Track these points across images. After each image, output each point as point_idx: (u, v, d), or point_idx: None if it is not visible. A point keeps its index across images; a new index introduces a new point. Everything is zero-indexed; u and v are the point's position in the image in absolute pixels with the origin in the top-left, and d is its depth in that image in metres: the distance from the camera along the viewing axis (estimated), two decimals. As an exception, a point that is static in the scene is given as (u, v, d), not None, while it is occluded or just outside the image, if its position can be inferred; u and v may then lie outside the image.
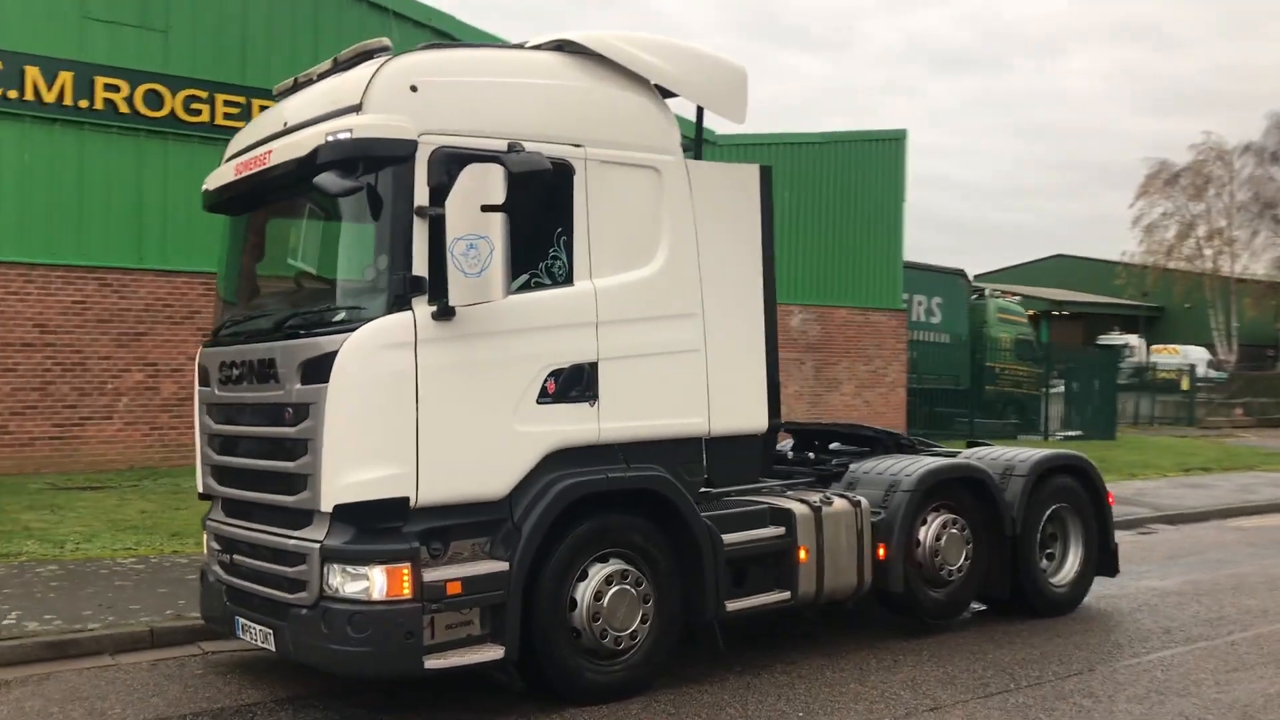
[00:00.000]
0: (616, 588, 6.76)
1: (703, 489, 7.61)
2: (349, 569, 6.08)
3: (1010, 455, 9.38)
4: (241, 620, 6.85)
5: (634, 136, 7.12)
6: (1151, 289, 51.78)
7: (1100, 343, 48.75)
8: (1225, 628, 8.96)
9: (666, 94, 7.50)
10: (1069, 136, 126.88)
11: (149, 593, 8.84)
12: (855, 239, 25.61)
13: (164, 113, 16.90)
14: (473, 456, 6.33)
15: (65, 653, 7.58)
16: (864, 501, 8.17)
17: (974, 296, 30.91)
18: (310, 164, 6.20)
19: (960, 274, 29.41)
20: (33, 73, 15.97)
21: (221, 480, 7.15)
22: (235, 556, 6.97)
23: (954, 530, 8.60)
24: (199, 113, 17.21)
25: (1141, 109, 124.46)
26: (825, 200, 25.14)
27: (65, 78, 16.17)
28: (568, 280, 6.74)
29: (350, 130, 6.13)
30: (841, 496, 8.13)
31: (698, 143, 7.96)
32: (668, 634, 7.04)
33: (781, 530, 7.62)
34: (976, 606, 9.32)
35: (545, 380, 6.58)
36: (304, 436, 6.21)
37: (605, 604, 6.70)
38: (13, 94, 15.84)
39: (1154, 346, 50.21)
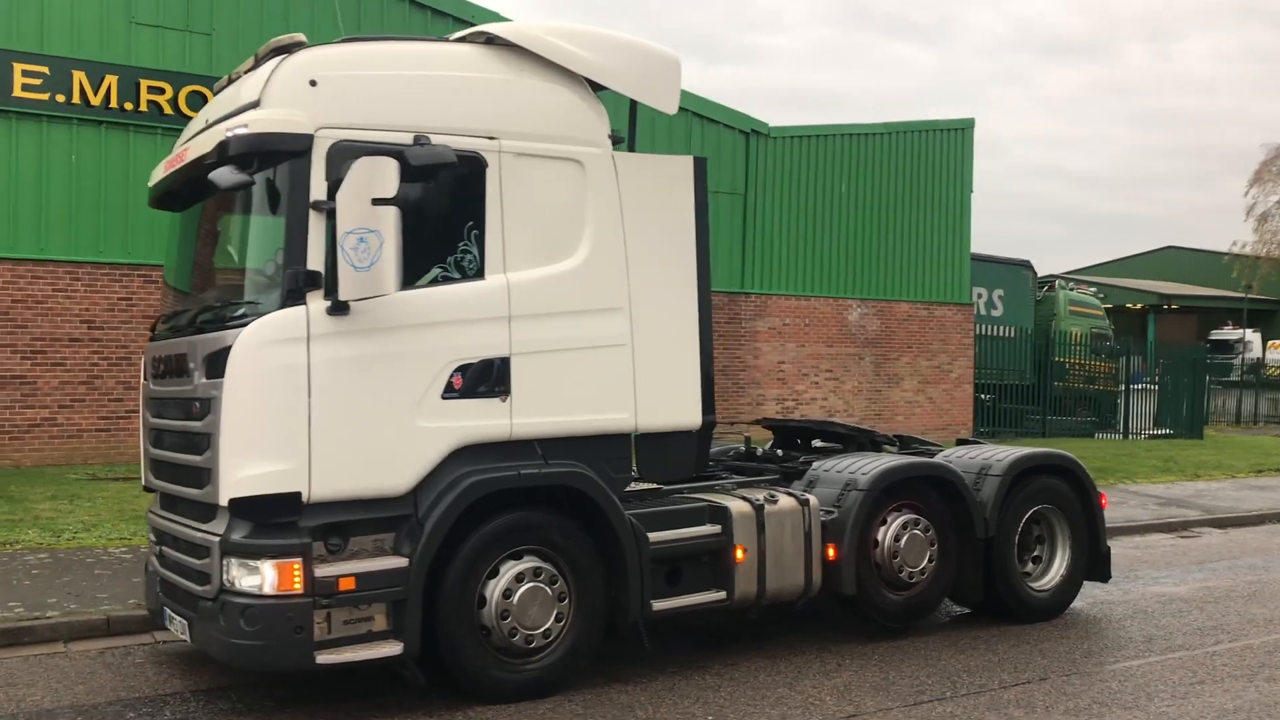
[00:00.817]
0: (528, 585, 6.67)
1: (652, 486, 7.53)
2: (244, 563, 6.12)
3: (989, 455, 9.03)
4: (168, 611, 6.96)
5: (556, 129, 7.01)
6: (1263, 281, 49.61)
7: (1213, 338, 46.88)
8: (1214, 637, 8.49)
9: (602, 88, 7.39)
10: (1190, 123, 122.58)
11: (123, 582, 9.05)
12: (919, 232, 25.02)
13: (207, 114, 17.30)
14: (370, 452, 6.30)
15: (19, 640, 7.79)
16: (813, 500, 7.95)
17: (1044, 289, 29.94)
18: (213, 161, 6.26)
19: (1024, 265, 28.51)
20: (79, 76, 16.51)
21: (155, 473, 7.28)
22: (163, 549, 7.09)
23: (915, 531, 8.30)
24: (241, 113, 17.58)
25: (1268, 92, 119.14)
26: (887, 192, 24.60)
27: (111, 81, 16.68)
28: (479, 274, 6.67)
29: (245, 126, 6.17)
30: (789, 495, 7.93)
31: (631, 134, 7.82)
32: (589, 633, 6.94)
33: (717, 529, 7.46)
34: (959, 610, 9.01)
35: (451, 375, 6.52)
36: (207, 430, 6.27)
37: (515, 602, 6.62)
38: (60, 98, 16.40)
39: (1271, 342, 48.07)
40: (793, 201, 23.45)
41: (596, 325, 7.05)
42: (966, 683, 7.23)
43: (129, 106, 16.83)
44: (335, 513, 6.25)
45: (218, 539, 6.24)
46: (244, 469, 6.09)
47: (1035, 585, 9.04)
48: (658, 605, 7.18)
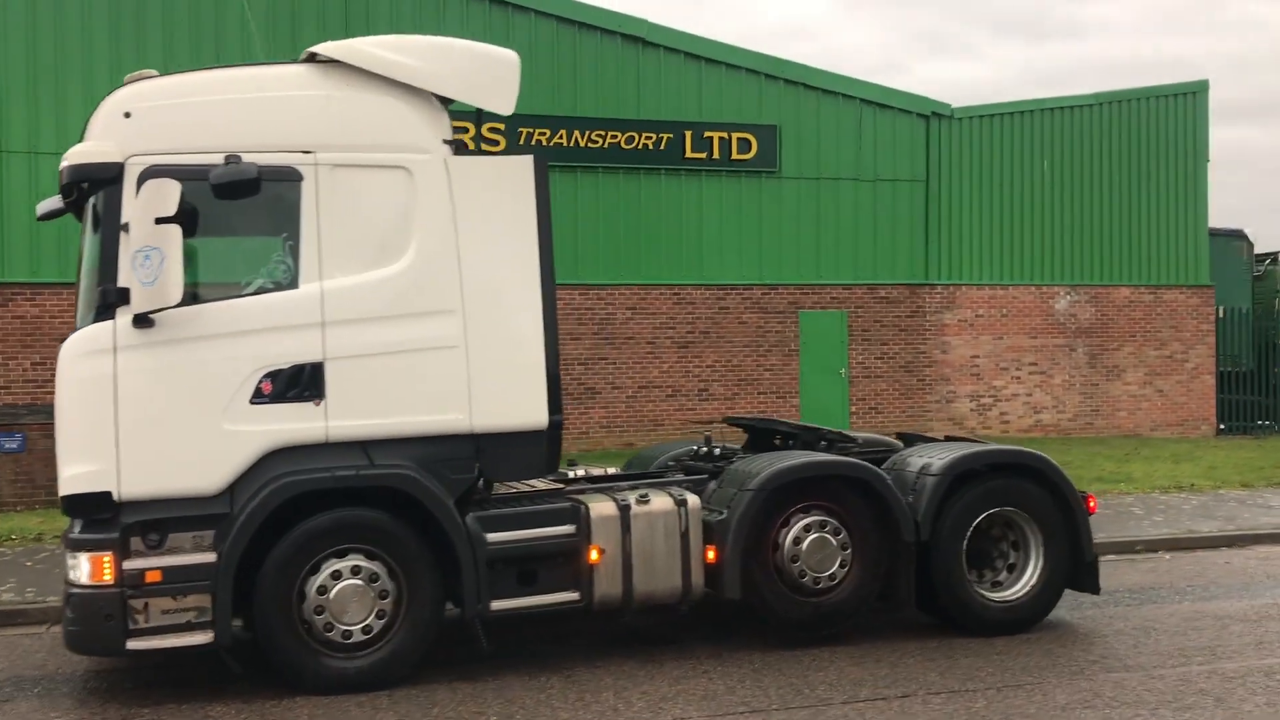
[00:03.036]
0: (346, 583, 6.92)
1: (550, 485, 7.63)
2: (72, 556, 6.75)
3: (933, 452, 8.31)
4: None
5: (379, 138, 7.21)
6: None
7: None
8: (1182, 660, 7.41)
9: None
10: None
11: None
12: (1142, 209, 22.88)
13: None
14: (178, 454, 6.76)
15: (12, 621, 8.89)
16: (692, 501, 7.68)
17: (1265, 262, 26.41)
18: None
19: (1237, 235, 25.25)
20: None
21: None
22: None
23: (822, 534, 7.81)
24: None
25: None
26: (1101, 168, 22.67)
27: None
28: (292, 284, 6.99)
29: (67, 159, 6.82)
30: (668, 495, 7.69)
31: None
32: (420, 630, 7.07)
33: (570, 529, 7.37)
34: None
35: (260, 381, 6.87)
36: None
37: (332, 598, 6.89)
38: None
39: None
40: (984, 185, 22.13)
41: (425, 327, 7.18)
42: (821, 694, 6.76)
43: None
44: (151, 510, 6.75)
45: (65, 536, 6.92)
46: (68, 469, 6.73)
47: (996, 596, 8.23)
48: (498, 605, 7.21)
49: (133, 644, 6.67)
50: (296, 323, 6.96)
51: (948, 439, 9.10)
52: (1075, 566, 8.36)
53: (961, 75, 64.77)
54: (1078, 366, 22.59)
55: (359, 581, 6.95)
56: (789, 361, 20.98)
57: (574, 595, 7.39)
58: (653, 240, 20.22)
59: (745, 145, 20.62)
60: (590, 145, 19.75)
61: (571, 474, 8.80)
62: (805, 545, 7.78)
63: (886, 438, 9.63)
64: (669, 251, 20.31)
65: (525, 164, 7.48)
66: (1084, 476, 14.16)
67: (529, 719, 6.45)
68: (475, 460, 7.32)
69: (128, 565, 6.66)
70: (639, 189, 20.13)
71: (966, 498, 8.10)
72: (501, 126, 19.06)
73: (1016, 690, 6.82)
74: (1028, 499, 8.28)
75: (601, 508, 7.50)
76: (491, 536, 7.20)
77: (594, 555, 7.37)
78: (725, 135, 20.50)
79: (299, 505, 6.92)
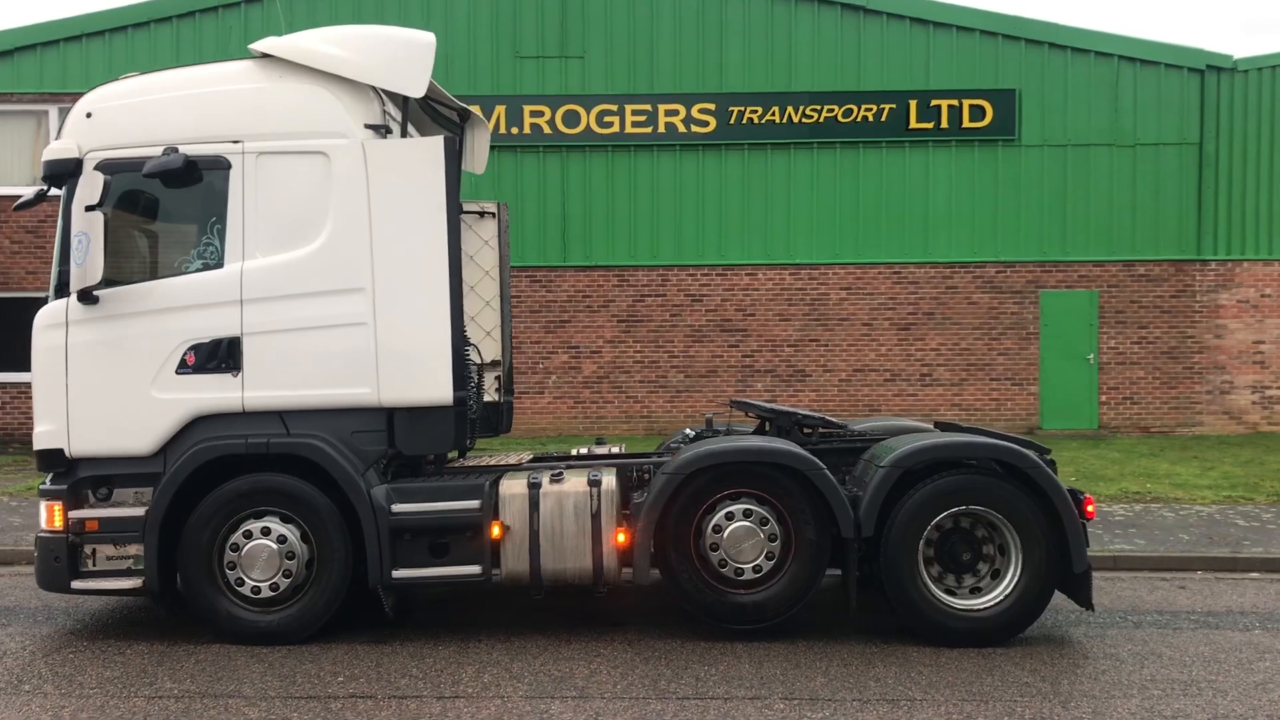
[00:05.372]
0: (257, 542, 7.42)
1: (514, 460, 7.82)
2: (39, 504, 7.71)
3: (908, 444, 7.55)
4: None
5: (302, 125, 7.58)
6: None
7: None
8: (1133, 690, 6.33)
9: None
10: None
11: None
12: None
13: (579, 129, 19.29)
14: (114, 418, 7.52)
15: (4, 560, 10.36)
16: (605, 481, 7.50)
17: None
18: None
19: None
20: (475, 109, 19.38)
21: None
22: None
23: (746, 523, 7.38)
24: (610, 124, 19.31)
25: None
26: None
27: (500, 110, 19.39)
28: (219, 264, 7.55)
29: (44, 155, 7.77)
30: (583, 476, 7.56)
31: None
32: (329, 592, 7.45)
33: (475, 504, 7.44)
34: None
35: (185, 353, 7.49)
36: None
37: (243, 555, 7.41)
38: (459, 130, 19.43)
39: None
40: (1274, 146, 19.32)
41: (336, 305, 7.50)
42: (657, 690, 6.43)
43: (514, 130, 19.36)
44: (98, 468, 7.59)
45: None
46: (37, 428, 7.69)
47: (961, 604, 7.38)
48: (400, 574, 7.43)
49: (76, 584, 7.53)
50: (218, 300, 7.52)
51: (971, 430, 8.23)
52: (1064, 577, 7.34)
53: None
54: (1398, 355, 19.22)
55: (269, 542, 7.43)
56: (1026, 345, 19.41)
57: (475, 569, 7.46)
58: (871, 217, 19.39)
59: (978, 113, 19.26)
60: (804, 120, 19.24)
61: (575, 451, 8.89)
62: (726, 534, 7.39)
63: (922, 425, 8.85)
64: (889, 228, 19.40)
65: (436, 145, 7.58)
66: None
67: (394, 675, 6.65)
68: (387, 433, 7.58)
69: (73, 514, 7.52)
70: (857, 164, 19.36)
71: (921, 494, 7.33)
72: (713, 107, 19.10)
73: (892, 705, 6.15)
74: (1000, 499, 7.35)
75: (511, 485, 7.52)
76: (397, 507, 7.42)
77: (495, 531, 7.41)
78: (955, 103, 19.26)
79: (228, 469, 7.50)
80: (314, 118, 7.62)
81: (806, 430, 8.28)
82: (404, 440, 7.62)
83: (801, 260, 19.37)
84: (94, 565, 7.59)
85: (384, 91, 7.80)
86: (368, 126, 7.62)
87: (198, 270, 7.60)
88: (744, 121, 19.14)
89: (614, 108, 19.32)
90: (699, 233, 19.46)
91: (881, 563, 7.35)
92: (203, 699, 6.34)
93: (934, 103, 19.25)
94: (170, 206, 7.67)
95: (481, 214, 9.87)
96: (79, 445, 7.56)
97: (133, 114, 7.72)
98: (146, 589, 7.49)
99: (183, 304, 7.54)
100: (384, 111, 7.78)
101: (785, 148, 19.26)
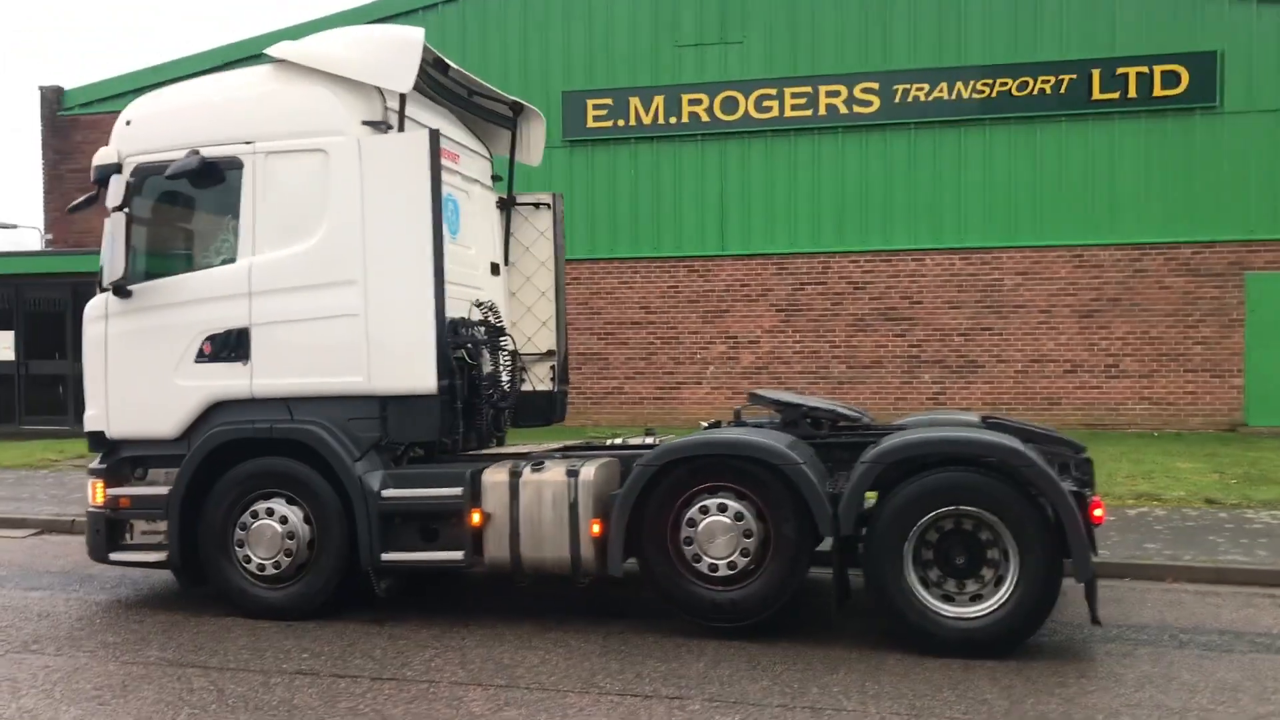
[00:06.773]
0: (262, 522, 7.80)
1: (520, 449, 8.00)
2: (88, 482, 8.42)
3: (890, 438, 7.07)
4: None
5: (305, 125, 7.87)
6: None
7: None
8: (1101, 703, 5.68)
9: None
10: None
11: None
12: None
13: (738, 115, 19.07)
14: (144, 403, 8.09)
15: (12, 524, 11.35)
16: (584, 471, 7.40)
17: None
18: None
19: None
20: (634, 102, 19.57)
21: None
22: None
23: (720, 517, 7.11)
24: (769, 109, 18.98)
25: None
26: None
27: (658, 101, 19.43)
28: (232, 259, 7.98)
29: (94, 160, 8.45)
30: (562, 465, 7.50)
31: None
32: (329, 571, 7.74)
33: (457, 492, 7.54)
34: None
35: (202, 343, 7.97)
36: None
37: (250, 534, 7.82)
38: (620, 122, 19.64)
39: None
40: None
41: (331, 297, 7.76)
42: (590, 683, 6.30)
43: (674, 120, 19.37)
44: (136, 449, 8.20)
45: None
46: (87, 411, 8.39)
47: (951, 611, 6.82)
48: (388, 556, 7.62)
49: (114, 555, 8.18)
50: (230, 293, 7.94)
51: (999, 427, 7.61)
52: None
53: None
54: None
55: (273, 522, 7.79)
56: (1229, 334, 17.64)
57: (458, 555, 7.55)
58: (1049, 197, 18.16)
59: (1172, 79, 17.66)
60: (975, 96, 18.25)
61: (609, 441, 8.87)
62: (700, 528, 7.14)
63: (967, 418, 8.26)
64: (1069, 209, 18.10)
65: (421, 139, 7.69)
66: None
67: (355, 655, 6.86)
68: (381, 420, 7.78)
69: (110, 491, 8.16)
70: (1033, 140, 18.17)
71: (905, 492, 6.83)
72: (876, 86, 18.43)
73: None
74: (996, 500, 6.73)
75: (494, 474, 7.55)
76: (386, 492, 7.62)
77: (475, 518, 7.47)
78: (1145, 70, 17.74)
79: (245, 452, 7.93)
80: (315, 116, 7.90)
81: (818, 423, 7.87)
82: (394, 427, 7.80)
83: (973, 244, 18.38)
84: (131, 539, 8.21)
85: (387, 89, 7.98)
86: (365, 123, 7.81)
87: (218, 265, 8.07)
88: (909, 100, 18.35)
89: (773, 91, 18.97)
90: (862, 217, 18.83)
91: (865, 563, 6.92)
92: (168, 666, 6.73)
93: (1120, 71, 17.79)
94: (195, 205, 8.16)
95: (537, 206, 9.95)
96: (116, 428, 8.19)
97: (164, 121, 8.27)
98: (170, 563, 8.03)
99: (201, 297, 8.02)
100: (385, 108, 7.96)
101: (955, 125, 18.34)
